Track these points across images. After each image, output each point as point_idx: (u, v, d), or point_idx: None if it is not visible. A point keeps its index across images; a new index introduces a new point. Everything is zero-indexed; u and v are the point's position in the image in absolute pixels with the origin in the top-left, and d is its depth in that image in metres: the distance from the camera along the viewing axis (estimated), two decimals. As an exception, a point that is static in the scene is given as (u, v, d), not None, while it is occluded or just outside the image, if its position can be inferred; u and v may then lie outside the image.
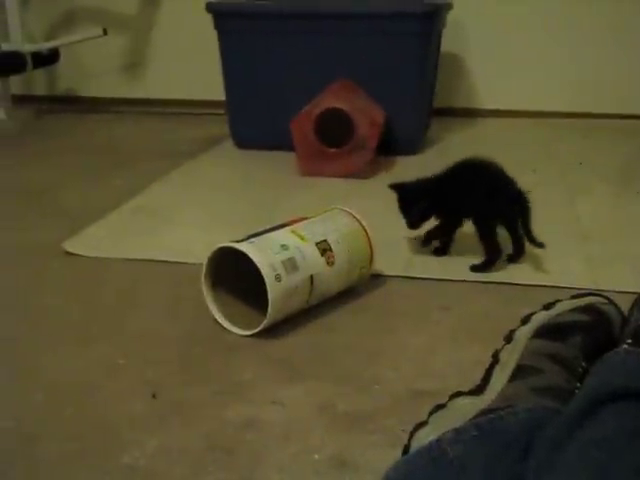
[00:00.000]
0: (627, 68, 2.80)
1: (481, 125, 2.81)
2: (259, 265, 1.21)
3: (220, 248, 1.26)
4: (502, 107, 2.88)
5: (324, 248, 1.31)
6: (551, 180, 2.08)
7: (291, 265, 1.25)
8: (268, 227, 1.33)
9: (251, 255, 1.22)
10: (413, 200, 1.54)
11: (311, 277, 1.28)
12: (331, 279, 1.32)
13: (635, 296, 0.97)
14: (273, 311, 1.22)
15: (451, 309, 1.34)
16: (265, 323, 1.23)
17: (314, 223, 1.37)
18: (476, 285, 1.44)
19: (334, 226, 1.37)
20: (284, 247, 1.27)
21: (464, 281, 1.45)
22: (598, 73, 2.82)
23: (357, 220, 1.40)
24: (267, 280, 1.21)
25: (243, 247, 1.24)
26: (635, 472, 0.71)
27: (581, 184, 2.05)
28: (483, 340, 1.10)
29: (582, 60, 2.83)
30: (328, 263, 1.31)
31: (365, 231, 1.39)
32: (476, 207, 1.50)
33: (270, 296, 1.21)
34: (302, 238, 1.31)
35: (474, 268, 1.48)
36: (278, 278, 1.22)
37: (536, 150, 2.44)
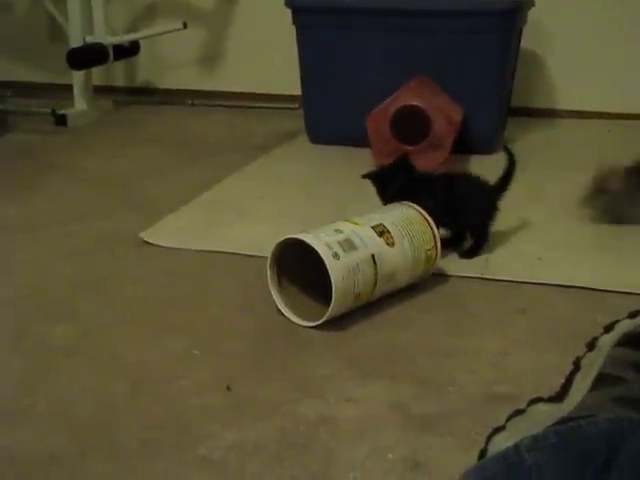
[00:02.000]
0: None
1: (559, 126, 2.75)
2: (315, 246, 1.22)
3: (282, 241, 1.27)
4: (581, 108, 2.82)
5: (381, 230, 1.32)
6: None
7: (348, 244, 1.26)
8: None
9: (307, 240, 1.23)
10: (388, 181, 1.58)
11: (372, 256, 1.27)
12: (395, 259, 1.31)
13: None
14: (337, 291, 1.22)
15: (528, 312, 1.32)
16: (332, 306, 1.22)
17: (368, 213, 1.38)
18: (552, 288, 1.41)
19: (390, 213, 1.38)
20: (338, 231, 1.28)
21: (540, 284, 1.42)
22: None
23: (412, 206, 1.40)
24: (325, 258, 1.21)
25: (299, 236, 1.25)
26: None
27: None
28: (561, 346, 1.09)
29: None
30: (388, 243, 1.30)
31: (423, 216, 1.39)
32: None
33: (331, 273, 1.21)
34: (356, 224, 1.31)
35: (464, 254, 1.53)
36: (336, 256, 1.22)
37: (617, 152, 2.38)
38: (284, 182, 2.09)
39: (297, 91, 2.51)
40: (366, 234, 1.30)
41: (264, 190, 2.02)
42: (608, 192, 1.59)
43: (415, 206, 1.40)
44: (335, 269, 1.21)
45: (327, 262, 1.21)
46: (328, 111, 2.42)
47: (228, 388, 1.10)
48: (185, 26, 2.77)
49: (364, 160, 2.18)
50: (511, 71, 2.52)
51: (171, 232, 1.70)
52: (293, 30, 2.42)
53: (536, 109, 2.87)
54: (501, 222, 1.57)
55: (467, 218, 1.55)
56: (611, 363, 0.91)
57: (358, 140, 2.23)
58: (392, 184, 1.57)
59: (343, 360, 1.18)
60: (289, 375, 1.14)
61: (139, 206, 1.88)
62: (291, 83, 2.56)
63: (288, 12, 2.40)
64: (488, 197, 1.57)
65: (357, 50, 2.36)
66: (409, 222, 1.37)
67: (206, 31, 3.13)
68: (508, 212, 1.58)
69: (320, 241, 1.24)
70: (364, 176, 1.60)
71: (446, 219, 1.51)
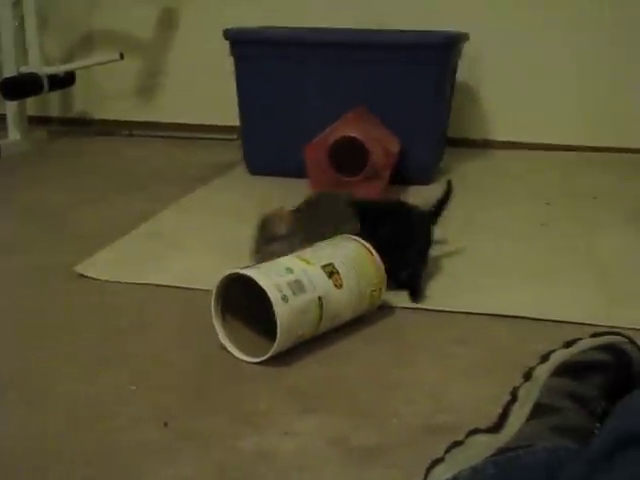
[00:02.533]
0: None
1: (495, 157, 2.81)
2: (264, 287, 1.21)
3: (228, 275, 1.26)
4: (516, 139, 2.88)
5: (331, 271, 1.31)
6: (565, 214, 2.07)
7: (297, 286, 1.25)
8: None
9: (256, 278, 1.22)
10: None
11: (319, 299, 1.27)
12: (341, 302, 1.32)
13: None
14: (282, 333, 1.21)
15: (467, 342, 1.33)
16: (275, 347, 1.22)
17: (319, 248, 1.38)
18: (491, 318, 1.42)
19: (339, 250, 1.38)
20: (289, 270, 1.27)
21: (482, 314, 1.44)
22: (616, 106, 2.82)
23: (362, 244, 1.40)
24: (273, 301, 1.20)
25: (248, 272, 1.24)
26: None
27: (596, 218, 2.04)
28: (499, 375, 1.09)
29: (600, 93, 2.83)
30: (336, 285, 1.30)
31: (372, 254, 1.39)
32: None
33: (278, 316, 1.20)
34: (307, 262, 1.31)
35: (401, 286, 1.51)
36: (285, 299, 1.22)
37: (550, 183, 2.43)
38: (222, 213, 2.08)
39: (236, 122, 2.51)
40: (316, 275, 1.29)
41: (202, 222, 2.01)
42: (277, 238, 1.56)
43: (365, 244, 1.41)
44: (282, 311, 1.21)
45: (275, 303, 1.21)
46: (266, 142, 2.42)
47: (165, 424, 1.08)
48: (122, 57, 2.76)
49: (303, 191, 2.18)
50: (448, 103, 2.56)
51: (107, 265, 1.67)
52: (231, 61, 2.42)
53: (471, 140, 2.92)
54: (437, 251, 1.59)
55: (406, 249, 1.55)
56: (548, 393, 0.91)
57: (296, 171, 2.24)
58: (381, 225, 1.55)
59: (284, 394, 1.17)
60: (228, 409, 1.12)
61: (74, 238, 1.85)
62: (230, 114, 2.56)
63: (226, 43, 2.40)
64: (424, 227, 1.58)
65: (295, 81, 2.37)
66: (359, 261, 1.38)
67: (143, 61, 3.12)
68: (444, 241, 1.60)
69: (270, 281, 1.23)
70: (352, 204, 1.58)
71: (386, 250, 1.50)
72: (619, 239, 1.87)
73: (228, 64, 2.42)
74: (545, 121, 2.88)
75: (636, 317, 1.39)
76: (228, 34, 2.39)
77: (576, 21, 2.80)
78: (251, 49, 2.41)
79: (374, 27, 2.64)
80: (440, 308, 1.46)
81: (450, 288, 1.55)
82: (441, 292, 1.53)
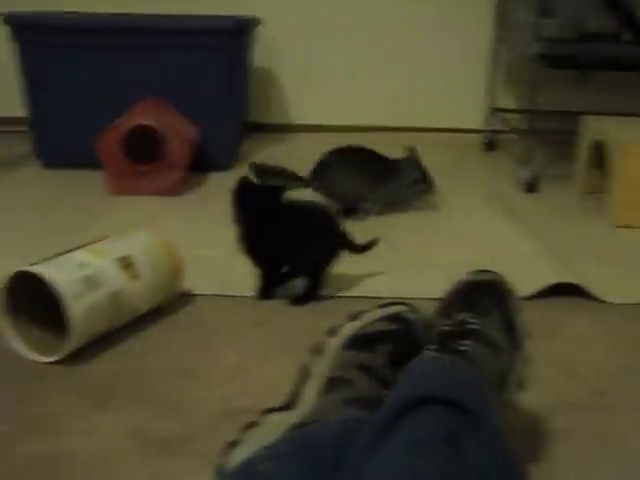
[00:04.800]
0: (437, 82, 2.93)
1: (294, 140, 2.84)
2: (55, 285, 1.16)
3: (16, 273, 1.20)
4: (315, 122, 2.94)
5: (126, 263, 1.28)
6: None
7: (91, 282, 1.21)
8: (68, 249, 1.28)
9: (46, 276, 1.17)
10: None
11: (114, 293, 1.24)
12: (138, 294, 1.29)
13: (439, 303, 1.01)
14: (75, 332, 1.17)
15: (264, 325, 1.34)
16: (68, 346, 1.17)
17: (114, 241, 1.34)
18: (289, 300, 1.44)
19: (135, 242, 1.35)
20: (82, 265, 1.23)
21: (277, 298, 1.45)
22: (412, 87, 2.94)
23: (155, 235, 1.39)
24: (65, 300, 1.16)
25: (37, 269, 1.18)
26: (441, 474, 0.73)
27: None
28: (297, 355, 1.10)
29: (393, 75, 2.93)
30: (132, 278, 1.28)
31: (168, 244, 1.38)
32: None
33: (70, 315, 1.16)
34: (101, 255, 1.27)
35: (296, 301, 1.43)
36: (77, 296, 1.17)
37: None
38: (16, 211, 1.98)
39: (23, 113, 2.40)
40: (110, 269, 1.25)
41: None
42: None
43: (155, 235, 1.38)
44: (75, 309, 1.16)
45: (66, 302, 1.16)
46: (58, 134, 2.33)
47: (-52, 435, 1.01)
48: None
49: (100, 183, 2.12)
50: (244, 88, 2.56)
51: None
52: (11, 47, 2.30)
53: (272, 124, 2.95)
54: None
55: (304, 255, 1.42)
56: (338, 366, 0.94)
57: (91, 162, 2.17)
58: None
59: (79, 392, 1.12)
60: (20, 413, 1.07)
61: None
62: (19, 104, 2.44)
63: (6, 29, 2.28)
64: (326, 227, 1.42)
65: (85, 69, 2.30)
66: (156, 252, 1.35)
67: None
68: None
69: (62, 277, 1.17)
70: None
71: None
72: (415, 216, 1.96)
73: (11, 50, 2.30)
74: (342, 103, 2.95)
75: (424, 287, 1.45)
76: (9, 19, 2.26)
77: (371, 1, 2.88)
78: (36, 35, 2.29)
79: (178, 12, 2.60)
80: (240, 294, 1.46)
81: (251, 273, 1.56)
82: (240, 278, 1.53)
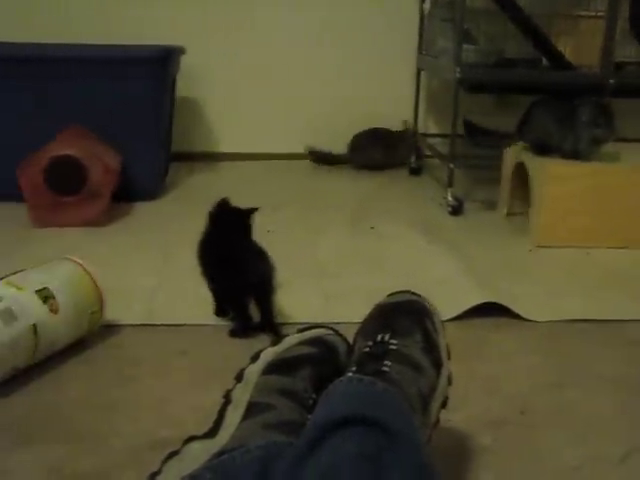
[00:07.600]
0: (361, 110, 2.97)
1: (219, 168, 2.84)
2: None
3: None
4: (238, 150, 2.95)
5: (45, 296, 1.25)
6: (292, 219, 2.14)
7: (8, 315, 1.18)
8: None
9: None
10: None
11: (34, 326, 1.21)
12: (58, 327, 1.26)
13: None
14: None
15: (189, 353, 1.32)
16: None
17: (32, 272, 1.31)
18: (216, 327, 1.43)
19: (55, 273, 1.32)
20: None
21: (204, 325, 1.44)
22: (332, 115, 2.97)
23: (80, 265, 1.36)
24: None
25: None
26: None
27: (320, 223, 2.12)
28: (221, 382, 1.09)
29: (316, 103, 2.96)
30: (52, 310, 1.25)
31: (89, 274, 1.35)
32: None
33: None
34: (19, 288, 1.24)
35: (232, 333, 1.40)
36: None
37: (274, 190, 2.50)
38: None
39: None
40: (29, 301, 1.22)
41: None
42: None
43: (82, 263, 1.35)
44: None
45: None
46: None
47: None
48: None
49: (21, 215, 2.08)
50: (168, 117, 2.55)
51: None
52: None
53: (197, 153, 2.94)
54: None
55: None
56: (259, 392, 0.93)
57: (12, 195, 2.12)
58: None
59: (-3, 429, 1.09)
60: None
61: None
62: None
63: None
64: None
65: (7, 99, 2.25)
66: (76, 283, 1.33)
67: None
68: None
69: None
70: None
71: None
72: (339, 240, 1.97)
73: None
74: (268, 131, 2.97)
75: (346, 312, 1.45)
76: None
77: (294, 31, 2.91)
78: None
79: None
80: (163, 322, 1.44)
81: (177, 301, 1.54)
82: (165, 307, 1.51)
